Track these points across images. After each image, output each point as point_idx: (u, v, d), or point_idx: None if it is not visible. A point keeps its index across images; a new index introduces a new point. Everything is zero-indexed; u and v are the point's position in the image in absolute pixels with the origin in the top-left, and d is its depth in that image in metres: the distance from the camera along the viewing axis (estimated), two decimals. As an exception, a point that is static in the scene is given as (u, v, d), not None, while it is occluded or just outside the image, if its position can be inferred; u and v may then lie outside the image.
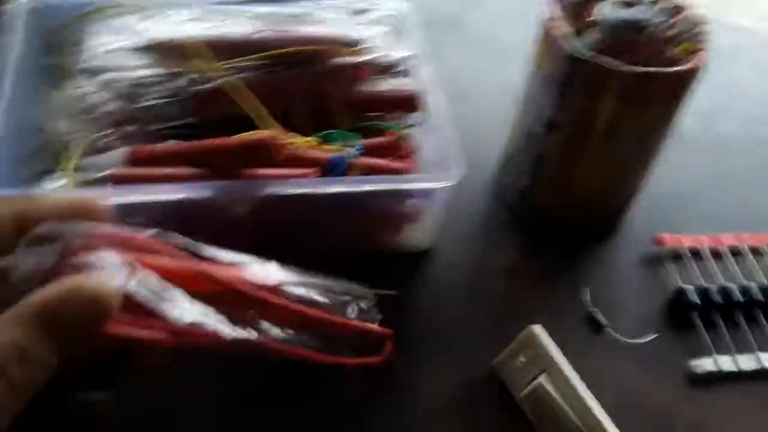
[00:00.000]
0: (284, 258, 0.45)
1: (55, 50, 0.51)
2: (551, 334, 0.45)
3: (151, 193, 0.40)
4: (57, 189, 0.43)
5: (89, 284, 0.27)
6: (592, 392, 0.43)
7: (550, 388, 0.42)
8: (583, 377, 0.44)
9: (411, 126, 0.50)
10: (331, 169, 0.44)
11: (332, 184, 0.42)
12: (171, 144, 0.44)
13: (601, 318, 0.49)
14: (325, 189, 0.42)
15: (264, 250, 0.47)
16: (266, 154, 0.41)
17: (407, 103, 0.50)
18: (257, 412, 0.43)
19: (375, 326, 0.36)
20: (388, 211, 0.46)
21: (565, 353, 0.44)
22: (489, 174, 0.57)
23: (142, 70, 0.49)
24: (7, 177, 0.43)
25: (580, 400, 0.41)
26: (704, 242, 0.54)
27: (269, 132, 0.43)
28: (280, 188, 0.42)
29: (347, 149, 0.44)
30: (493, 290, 0.50)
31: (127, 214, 0.41)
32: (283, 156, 0.42)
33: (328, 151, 0.44)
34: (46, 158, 0.49)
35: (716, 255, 0.54)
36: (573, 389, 0.41)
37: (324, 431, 0.42)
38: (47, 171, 0.47)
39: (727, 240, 0.54)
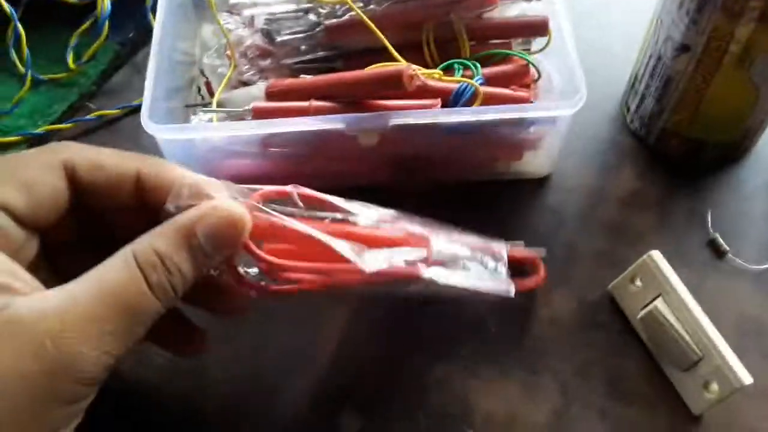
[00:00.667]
0: (414, 186, 0.48)
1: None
2: (670, 259, 0.46)
3: (288, 126, 0.44)
4: (203, 122, 0.48)
5: (223, 206, 0.33)
6: (711, 317, 0.44)
7: (666, 311, 0.43)
8: (702, 302, 0.45)
9: (536, 52, 0.51)
10: (455, 99, 0.45)
11: (456, 114, 0.44)
12: (304, 78, 0.48)
13: (723, 243, 0.49)
14: (448, 119, 0.44)
15: (395, 178, 0.51)
16: (398, 86, 0.43)
17: (533, 29, 0.50)
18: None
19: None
20: (511, 138, 0.48)
21: (684, 278, 0.45)
22: (616, 97, 0.57)
23: (279, 5, 0.52)
24: (162, 110, 0.48)
25: (697, 324, 0.42)
26: (843, 167, 0.52)
27: (400, 65, 0.45)
28: (407, 119, 0.44)
29: (469, 80, 0.45)
30: (612, 215, 0.50)
31: (267, 144, 0.46)
32: (413, 88, 0.44)
33: (453, 82, 0.46)
34: (195, 91, 0.54)
35: None
36: (690, 313, 0.43)
37: (444, 348, 0.46)
38: (197, 104, 0.52)
39: None
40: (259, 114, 0.46)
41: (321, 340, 0.46)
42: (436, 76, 0.46)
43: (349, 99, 0.46)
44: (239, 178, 0.43)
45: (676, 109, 0.50)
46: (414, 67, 0.45)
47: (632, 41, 0.54)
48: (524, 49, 0.53)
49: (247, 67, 0.52)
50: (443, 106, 0.46)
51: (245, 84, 0.52)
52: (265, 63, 0.52)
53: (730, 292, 0.48)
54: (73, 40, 0.58)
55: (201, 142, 0.46)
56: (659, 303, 0.44)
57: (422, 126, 0.45)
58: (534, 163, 0.51)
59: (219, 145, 0.47)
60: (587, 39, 0.60)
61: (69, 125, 0.55)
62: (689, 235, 0.50)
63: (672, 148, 0.53)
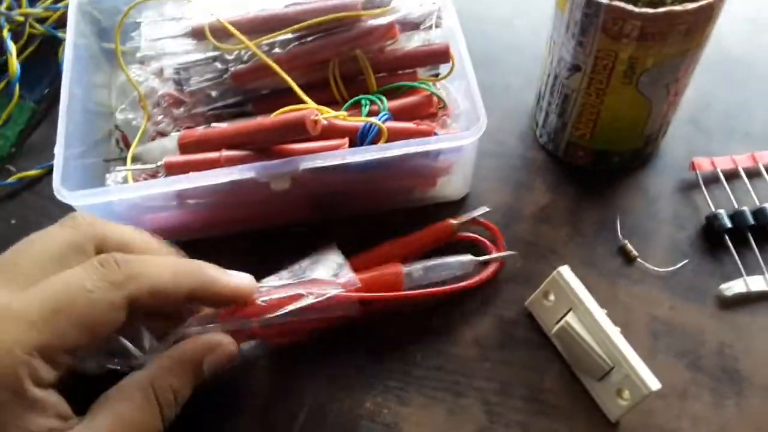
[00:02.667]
0: (331, 220, 0.50)
1: (109, 39, 0.55)
2: (583, 270, 0.49)
3: (200, 180, 0.45)
4: (118, 182, 0.48)
5: (225, 342, 0.40)
6: (623, 321, 0.46)
7: (576, 325, 0.45)
8: (615, 309, 0.47)
9: (441, 78, 0.53)
10: (361, 138, 0.47)
11: (362, 153, 0.46)
12: (214, 128, 0.49)
13: (632, 249, 0.51)
14: (356, 158, 0.46)
15: (313, 216, 0.52)
16: (302, 131, 0.45)
17: (436, 56, 0.52)
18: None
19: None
20: (422, 168, 0.50)
21: (597, 286, 0.48)
22: (525, 115, 0.59)
23: (187, 55, 0.52)
24: (79, 168, 0.49)
25: (605, 335, 0.44)
26: (741, 162, 0.55)
27: (303, 110, 0.46)
28: (316, 161, 0.45)
29: (373, 120, 0.47)
30: (526, 232, 0.52)
31: (183, 196, 0.47)
32: (317, 132, 0.45)
33: (358, 121, 0.48)
34: (115, 143, 0.55)
35: (754, 174, 0.54)
36: (598, 325, 0.45)
37: (374, 371, 0.48)
38: (115, 159, 0.53)
39: (765, 158, 0.55)
40: (172, 169, 0.47)
41: (251, 387, 0.47)
42: (341, 117, 0.47)
43: (258, 147, 0.47)
44: (159, 231, 0.44)
45: (576, 124, 0.52)
46: (318, 110, 0.47)
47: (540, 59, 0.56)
48: (433, 75, 0.54)
49: (161, 117, 0.53)
50: (351, 144, 0.47)
51: (162, 134, 0.53)
52: (179, 112, 0.53)
53: (641, 297, 0.50)
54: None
55: (119, 202, 0.47)
56: (570, 317, 0.46)
57: (332, 166, 0.46)
58: (449, 187, 0.53)
59: (137, 202, 0.48)
60: (500, 56, 0.62)
61: (-10, 191, 0.55)
62: (601, 244, 0.52)
63: (579, 159, 0.55)
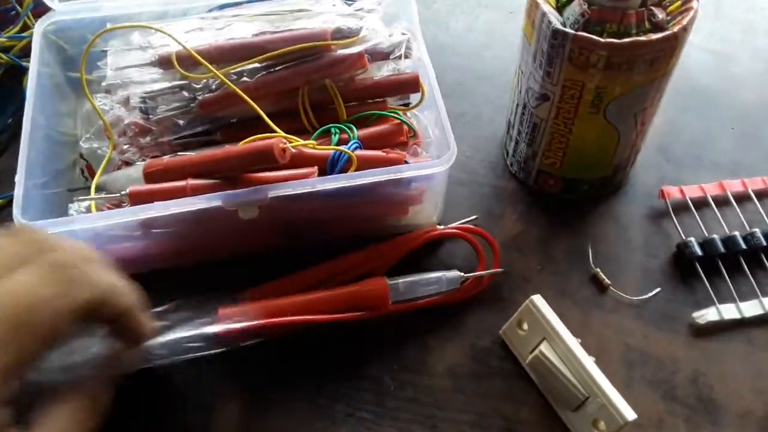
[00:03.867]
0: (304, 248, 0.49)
1: (75, 67, 0.54)
2: (557, 299, 0.48)
3: (165, 209, 0.44)
4: (81, 212, 0.47)
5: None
6: (598, 350, 0.46)
7: (550, 354, 0.45)
8: (589, 337, 0.47)
9: (411, 108, 0.53)
10: (331, 166, 0.46)
11: (331, 181, 0.45)
12: (180, 157, 0.48)
13: (604, 278, 0.51)
14: (326, 186, 0.45)
15: (283, 243, 0.51)
16: (270, 160, 0.44)
17: (405, 86, 0.52)
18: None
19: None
20: (393, 196, 0.49)
21: (570, 315, 0.47)
22: (495, 144, 0.59)
23: (155, 83, 0.52)
24: (40, 197, 0.47)
25: (579, 365, 0.44)
26: (709, 191, 0.55)
27: (271, 139, 0.45)
28: (285, 190, 0.45)
29: (342, 148, 0.46)
30: (498, 260, 0.52)
31: (148, 226, 0.46)
32: (286, 160, 0.45)
33: (327, 149, 0.47)
34: (80, 173, 0.54)
35: (722, 203, 0.55)
36: (572, 354, 0.44)
37: (346, 411, 0.47)
38: (79, 188, 0.52)
39: (733, 186, 0.55)
40: (136, 198, 0.46)
41: (216, 422, 0.45)
42: (310, 145, 0.47)
43: (225, 175, 0.46)
44: (123, 261, 0.43)
45: (546, 152, 0.52)
46: (287, 138, 0.46)
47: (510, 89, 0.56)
48: (403, 105, 0.54)
49: (127, 146, 0.52)
50: (320, 173, 0.47)
51: (128, 163, 0.52)
52: (145, 140, 0.52)
53: (614, 325, 0.50)
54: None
55: (82, 232, 0.46)
56: (544, 346, 0.45)
57: (301, 195, 0.45)
58: (421, 215, 0.52)
59: (100, 231, 0.46)
60: (470, 86, 0.62)
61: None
62: (573, 272, 0.52)
63: (549, 187, 0.55)
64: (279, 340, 0.47)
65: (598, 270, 0.52)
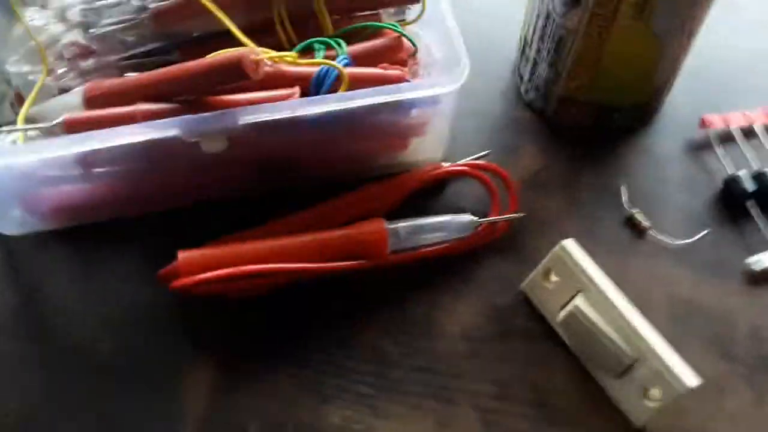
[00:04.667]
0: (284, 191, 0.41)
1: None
2: (586, 245, 0.40)
3: (108, 138, 0.35)
4: (5, 145, 0.38)
5: None
6: (640, 304, 0.38)
7: (588, 310, 0.37)
8: (628, 290, 0.39)
9: (410, 22, 0.44)
10: (316, 86, 0.37)
11: (318, 104, 0.36)
12: (129, 77, 0.39)
13: (643, 219, 0.43)
14: (310, 110, 0.36)
15: (257, 186, 0.42)
16: (240, 75, 0.35)
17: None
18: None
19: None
20: (391, 126, 0.40)
21: (604, 264, 0.39)
22: (506, 67, 0.51)
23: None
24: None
25: (625, 321, 0.36)
26: (756, 119, 0.47)
27: (241, 49, 0.36)
28: (259, 115, 0.36)
29: (331, 62, 0.37)
30: (517, 202, 0.44)
31: (89, 164, 0.37)
32: (260, 76, 0.36)
33: (312, 65, 0.38)
34: (9, 107, 0.44)
35: (771, 132, 0.47)
36: (615, 309, 0.36)
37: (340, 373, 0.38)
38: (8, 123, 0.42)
39: (784, 113, 0.48)
40: (73, 127, 0.36)
41: (185, 408, 0.37)
42: (290, 59, 0.38)
43: (185, 97, 0.37)
44: (62, 209, 0.34)
45: (572, 73, 0.44)
46: (260, 50, 0.37)
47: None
48: (398, 21, 0.45)
49: (64, 70, 0.42)
50: (303, 94, 0.38)
51: (65, 90, 0.42)
52: (87, 64, 0.42)
53: (656, 274, 0.42)
54: None
55: (4, 170, 0.37)
56: (579, 300, 0.37)
57: (280, 122, 0.36)
58: (422, 150, 0.44)
59: (29, 171, 0.37)
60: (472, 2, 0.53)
61: None
62: (605, 214, 0.44)
63: (573, 117, 0.47)
64: (250, 297, 0.39)
65: (635, 211, 0.44)
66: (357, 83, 0.38)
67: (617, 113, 0.46)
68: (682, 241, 0.43)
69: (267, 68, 0.36)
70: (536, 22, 0.44)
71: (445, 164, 0.44)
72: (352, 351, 0.39)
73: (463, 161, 0.44)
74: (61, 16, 0.43)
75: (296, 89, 0.37)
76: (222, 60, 0.36)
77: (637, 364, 0.36)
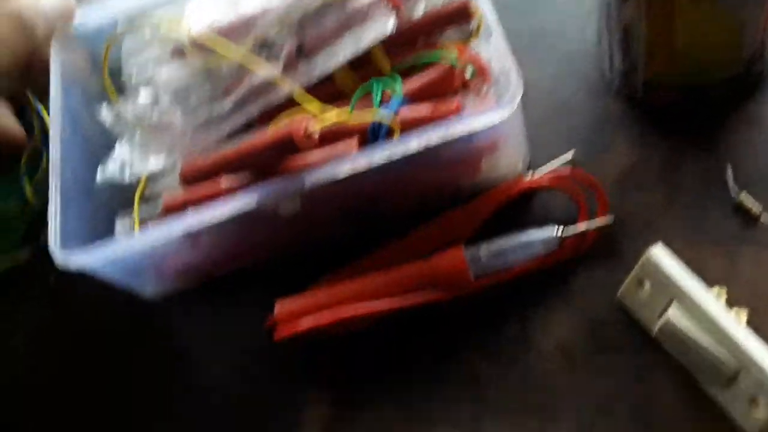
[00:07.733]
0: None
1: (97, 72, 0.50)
2: (693, 240, 0.38)
3: (202, 217, 0.38)
4: (127, 233, 0.43)
5: None
6: (751, 300, 0.35)
7: (681, 319, 0.35)
8: (737, 283, 0.37)
9: (465, 42, 0.43)
10: (372, 137, 0.39)
11: (374, 154, 0.38)
12: (212, 155, 0.43)
13: (752, 204, 0.39)
14: (368, 162, 0.38)
15: (347, 230, 0.45)
16: (294, 148, 0.38)
17: (452, 17, 0.43)
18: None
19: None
20: (455, 155, 0.41)
21: (712, 259, 0.37)
22: (587, 60, 0.48)
23: (182, 75, 0.47)
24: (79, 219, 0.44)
25: (721, 329, 0.34)
26: None
27: (294, 120, 0.39)
28: (321, 174, 0.38)
29: (382, 110, 0.39)
30: (609, 203, 0.42)
31: (191, 237, 0.41)
32: (312, 144, 0.38)
33: (367, 116, 0.39)
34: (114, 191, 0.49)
35: None
36: (709, 316, 0.34)
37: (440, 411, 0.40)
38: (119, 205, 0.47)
39: None
40: (171, 208, 0.41)
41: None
42: (341, 121, 0.39)
43: (258, 169, 0.40)
44: (186, 273, 0.39)
45: (648, 58, 0.41)
46: (316, 113, 0.39)
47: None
48: (464, 41, 0.45)
49: (165, 147, 0.47)
50: (363, 141, 0.39)
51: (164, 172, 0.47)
52: (184, 139, 0.47)
53: (771, 267, 0.38)
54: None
55: (132, 253, 0.42)
56: (673, 310, 0.35)
57: (345, 176, 0.38)
58: (499, 167, 0.43)
59: (146, 251, 0.42)
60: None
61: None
62: (709, 204, 0.41)
63: (664, 100, 0.43)
64: (349, 333, 0.42)
65: (743, 195, 0.40)
66: (410, 125, 0.39)
67: (711, 90, 0.42)
68: (802, 223, 0.38)
69: (316, 137, 0.38)
70: (600, 15, 0.42)
71: (527, 174, 0.43)
72: (450, 375, 0.40)
73: (546, 168, 0.43)
74: (156, 99, 0.48)
75: (354, 141, 0.39)
76: (275, 136, 0.38)
77: (741, 374, 0.33)
